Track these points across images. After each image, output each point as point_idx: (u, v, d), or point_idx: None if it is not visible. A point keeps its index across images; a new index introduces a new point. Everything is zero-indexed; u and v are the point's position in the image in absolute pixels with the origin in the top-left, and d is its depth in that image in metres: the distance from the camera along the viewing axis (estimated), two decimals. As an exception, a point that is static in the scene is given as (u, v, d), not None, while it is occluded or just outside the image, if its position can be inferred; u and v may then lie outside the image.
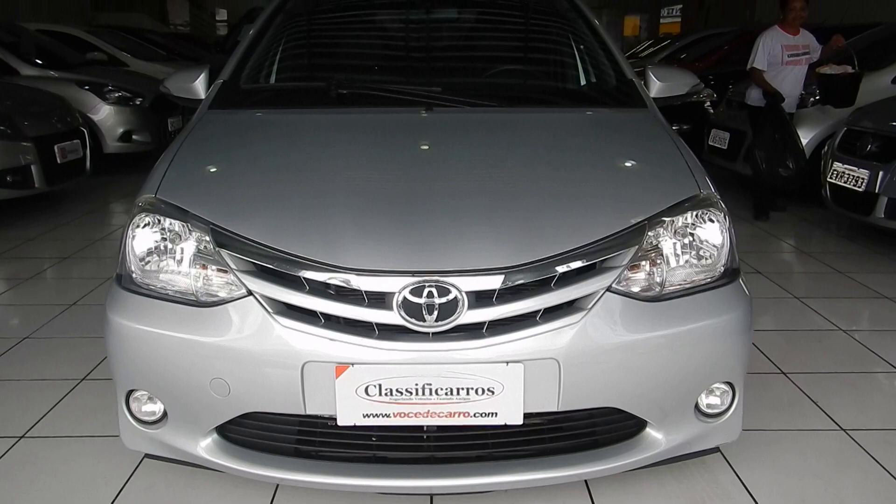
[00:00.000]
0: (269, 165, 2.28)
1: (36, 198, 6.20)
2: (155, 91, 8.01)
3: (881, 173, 4.76)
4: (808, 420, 2.77)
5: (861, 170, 4.91)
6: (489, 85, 3.05)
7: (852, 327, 3.74)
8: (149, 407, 2.08)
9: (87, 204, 6.53)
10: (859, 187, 4.90)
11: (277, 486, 2.28)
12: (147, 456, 2.21)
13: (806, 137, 6.07)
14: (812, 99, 6.04)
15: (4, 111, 5.68)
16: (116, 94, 7.67)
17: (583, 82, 3.24)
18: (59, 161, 5.96)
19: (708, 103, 8.05)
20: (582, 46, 3.25)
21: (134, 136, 7.70)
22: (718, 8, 19.54)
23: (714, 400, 2.11)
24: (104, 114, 7.53)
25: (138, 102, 7.81)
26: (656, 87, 2.91)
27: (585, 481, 2.31)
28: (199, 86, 2.91)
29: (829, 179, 5.21)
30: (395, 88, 2.77)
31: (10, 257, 4.94)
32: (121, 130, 7.61)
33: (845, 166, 5.05)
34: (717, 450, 2.22)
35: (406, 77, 3.00)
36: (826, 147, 5.54)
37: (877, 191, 4.77)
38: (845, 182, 5.03)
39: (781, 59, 5.67)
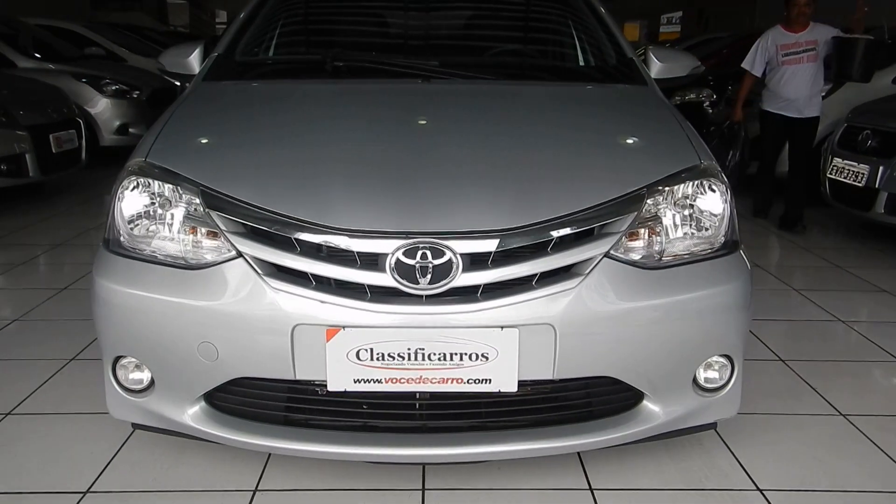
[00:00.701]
0: (261, 131, 2.24)
1: (30, 187, 6.15)
2: (152, 85, 8.03)
3: (881, 168, 4.74)
4: (807, 405, 2.74)
5: (861, 165, 4.88)
6: (488, 60, 3.01)
7: (851, 319, 3.70)
8: (136, 375, 2.04)
9: (82, 194, 6.49)
10: (859, 183, 4.88)
11: (268, 457, 2.24)
12: (134, 426, 2.16)
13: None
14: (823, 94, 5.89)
15: (0, 100, 5.63)
16: (113, 87, 7.65)
17: (583, 62, 3.21)
18: (53, 150, 5.92)
19: (707, 103, 8.03)
20: (582, 26, 3.22)
21: (130, 129, 7.66)
22: (718, 16, 19.59)
23: (712, 374, 2.07)
24: (101, 106, 7.51)
25: (135, 95, 7.78)
26: (657, 67, 2.88)
27: (580, 457, 2.27)
28: (194, 61, 2.88)
29: (828, 175, 5.19)
30: (393, 61, 2.73)
31: (3, 244, 4.90)
32: (117, 123, 7.59)
33: (845, 162, 5.02)
34: (714, 425, 2.18)
35: (404, 53, 2.97)
36: (826, 143, 5.51)
37: (877, 186, 4.74)
38: (845, 178, 5.00)
39: (777, 59, 5.45)
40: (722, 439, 2.42)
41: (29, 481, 2.17)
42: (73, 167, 6.32)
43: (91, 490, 2.13)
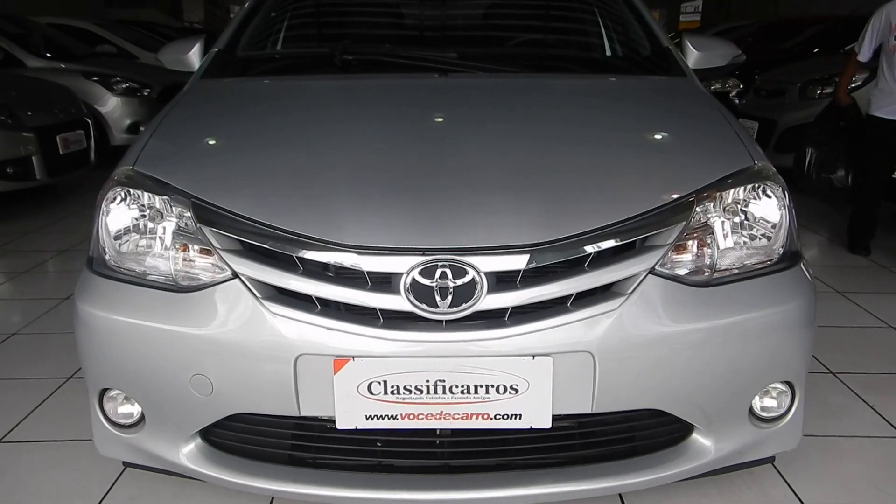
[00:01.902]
0: (262, 135, 2.03)
1: (38, 190, 5.99)
2: (163, 82, 7.86)
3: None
4: (865, 425, 2.49)
5: None
6: (511, 51, 2.78)
7: (902, 325, 3.44)
8: (125, 408, 1.84)
9: (91, 196, 6.27)
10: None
11: (273, 498, 2.04)
12: (125, 464, 1.97)
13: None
14: None
15: (5, 101, 5.48)
16: (124, 86, 7.50)
17: (613, 52, 2.97)
18: (61, 152, 5.76)
19: (734, 93, 7.74)
20: (612, 13, 2.97)
21: (142, 128, 7.48)
22: (740, 3, 19.17)
23: (770, 402, 1.84)
24: (111, 105, 7.36)
25: (146, 93, 7.62)
26: (693, 56, 2.63)
27: (619, 493, 2.04)
28: (194, 57, 2.67)
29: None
30: (407, 54, 2.50)
31: (9, 250, 4.74)
32: (128, 122, 7.44)
33: (887, 155, 4.69)
34: (771, 459, 1.94)
35: (419, 45, 2.74)
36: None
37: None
38: (896, 173, 4.65)
39: (890, 42, 4.20)
40: (775, 467, 2.18)
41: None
42: (82, 168, 6.16)
43: (83, 529, 1.94)
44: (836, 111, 4.88)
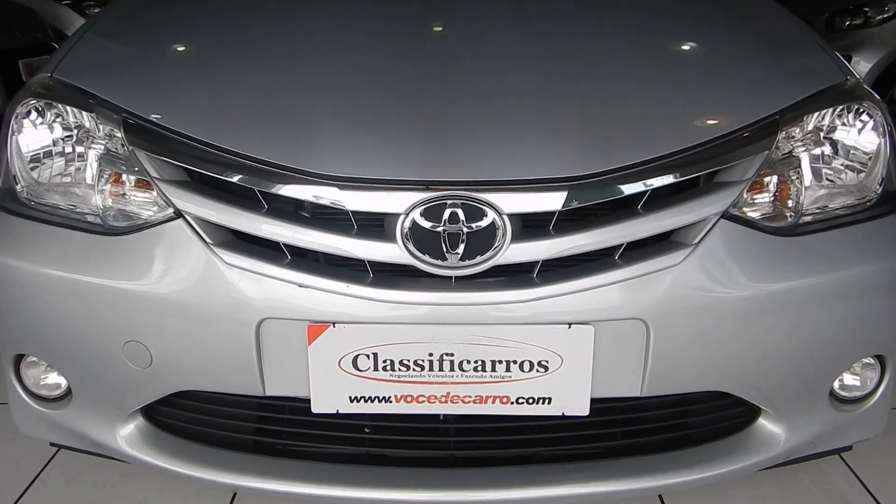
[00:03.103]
0: (218, 37, 1.62)
1: (-1, 118, 5.57)
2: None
3: None
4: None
5: None
6: None
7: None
8: (51, 378, 1.49)
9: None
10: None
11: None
12: (52, 445, 1.62)
13: (870, 61, 5.37)
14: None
15: (-41, 21, 5.02)
16: (97, 10, 6.96)
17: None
18: (24, 79, 5.30)
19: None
20: None
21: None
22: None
23: (853, 380, 1.50)
24: (83, 32, 6.85)
25: (121, 20, 7.12)
26: None
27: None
28: None
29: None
30: None
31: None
32: (101, 50, 6.94)
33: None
34: (848, 448, 1.61)
35: None
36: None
37: None
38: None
39: None
40: (840, 455, 1.85)
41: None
42: (48, 98, 5.72)
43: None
44: None
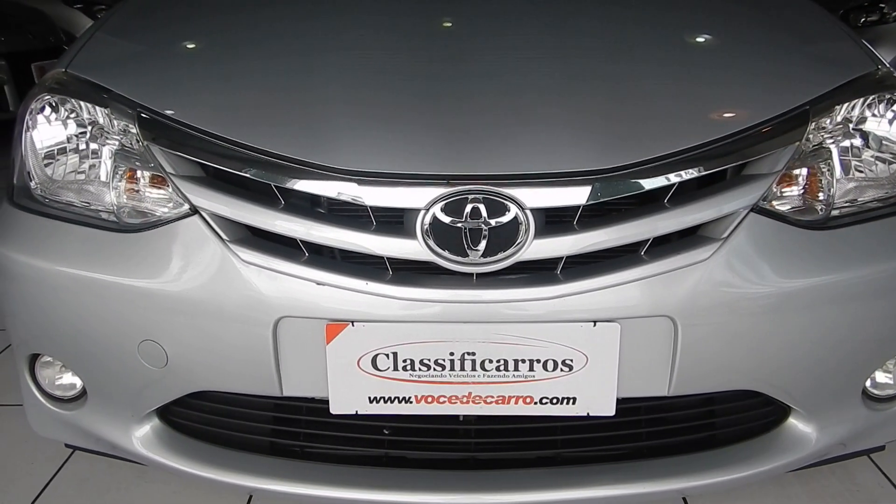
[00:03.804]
0: (233, 32, 1.60)
1: (10, 122, 5.57)
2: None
3: None
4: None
5: None
6: None
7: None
8: (66, 378, 1.47)
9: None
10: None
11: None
12: (68, 446, 1.60)
13: (886, 57, 5.31)
14: None
15: (-27, 24, 5.06)
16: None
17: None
18: (36, 81, 5.31)
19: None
20: None
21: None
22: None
23: (886, 378, 1.46)
24: (95, 34, 6.86)
25: (133, 23, 7.13)
26: None
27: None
28: None
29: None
30: None
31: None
32: (113, 53, 6.95)
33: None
34: (881, 448, 1.57)
35: None
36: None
37: None
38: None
39: None
40: (869, 456, 1.81)
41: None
42: (61, 100, 5.74)
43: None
44: None
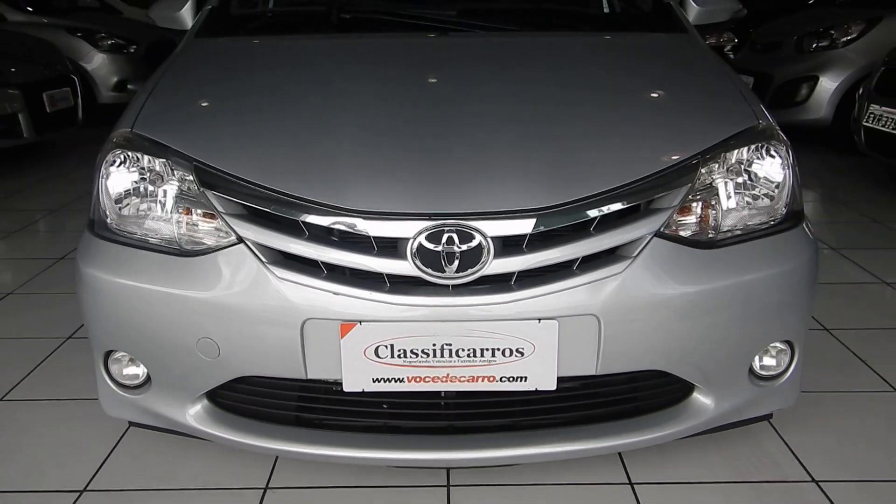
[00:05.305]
0: (261, 96, 2.00)
1: (25, 148, 5.90)
2: (149, 38, 7.70)
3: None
4: (860, 381, 2.52)
5: None
6: (510, 7, 2.73)
7: (894, 280, 3.47)
8: (131, 370, 1.85)
9: (79, 155, 6.24)
10: (899, 131, 4.55)
11: (277, 457, 2.06)
12: (131, 424, 1.98)
13: (835, 81, 5.75)
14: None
15: (-11, 56, 5.38)
16: (109, 42, 7.33)
17: (614, 8, 2.92)
18: (48, 110, 5.67)
19: (728, 47, 7.68)
20: None
21: (129, 86, 7.35)
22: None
23: (770, 361, 1.87)
24: (97, 62, 7.21)
25: (132, 50, 7.46)
26: (695, 11, 2.60)
27: (619, 452, 2.07)
28: (186, 14, 2.61)
29: (864, 123, 4.89)
30: (405, 12, 2.46)
31: (-1, 209, 4.70)
32: (115, 80, 7.29)
33: (883, 108, 4.72)
34: (769, 416, 1.98)
35: (416, 4, 2.69)
36: (861, 89, 5.19)
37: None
38: (883, 125, 4.71)
39: None
40: (771, 424, 2.21)
41: (19, 478, 2.01)
42: (70, 126, 6.07)
43: (88, 489, 1.96)
44: None
